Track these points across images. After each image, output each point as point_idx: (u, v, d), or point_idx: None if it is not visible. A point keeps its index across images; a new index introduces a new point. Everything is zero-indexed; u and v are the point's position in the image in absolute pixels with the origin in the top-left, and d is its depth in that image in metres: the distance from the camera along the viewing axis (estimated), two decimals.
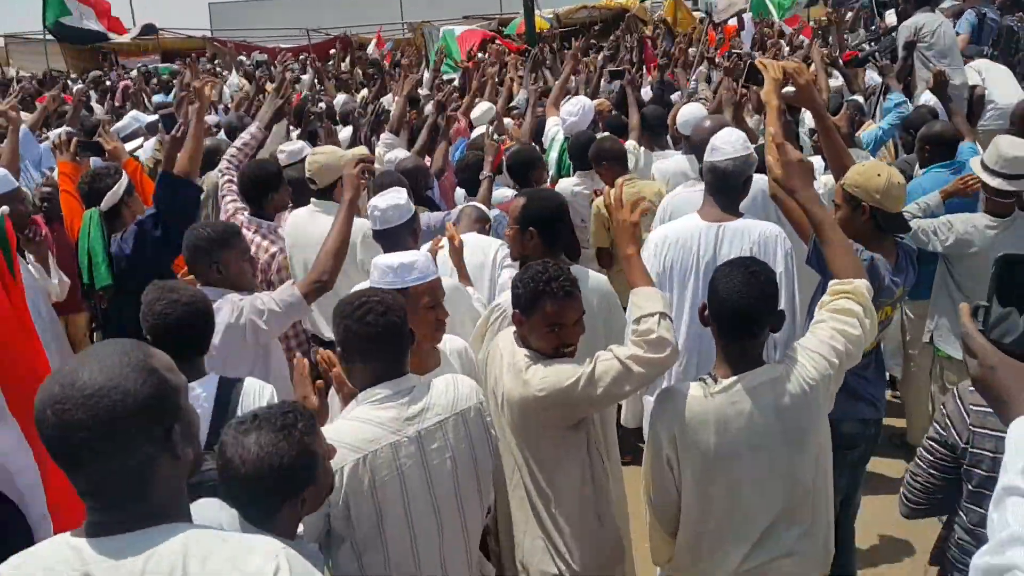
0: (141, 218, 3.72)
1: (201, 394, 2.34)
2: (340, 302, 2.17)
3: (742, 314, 2.11)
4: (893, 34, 7.63)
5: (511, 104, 7.21)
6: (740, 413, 2.11)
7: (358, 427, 2.08)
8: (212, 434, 2.22)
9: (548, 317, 2.23)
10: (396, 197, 3.23)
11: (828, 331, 2.21)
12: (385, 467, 2.05)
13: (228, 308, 2.82)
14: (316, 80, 10.53)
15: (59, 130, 6.13)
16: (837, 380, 2.23)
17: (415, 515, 2.09)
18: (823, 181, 3.62)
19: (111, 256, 3.71)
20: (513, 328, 2.39)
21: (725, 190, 3.18)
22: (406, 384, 2.16)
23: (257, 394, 2.40)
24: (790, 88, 3.00)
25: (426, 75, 8.63)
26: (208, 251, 2.91)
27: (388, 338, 2.11)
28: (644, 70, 8.68)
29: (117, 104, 9.25)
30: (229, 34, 19.11)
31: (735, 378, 2.13)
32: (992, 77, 6.73)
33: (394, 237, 3.13)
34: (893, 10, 8.93)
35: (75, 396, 1.19)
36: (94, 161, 4.97)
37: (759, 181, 3.33)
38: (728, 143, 3.19)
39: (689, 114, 4.91)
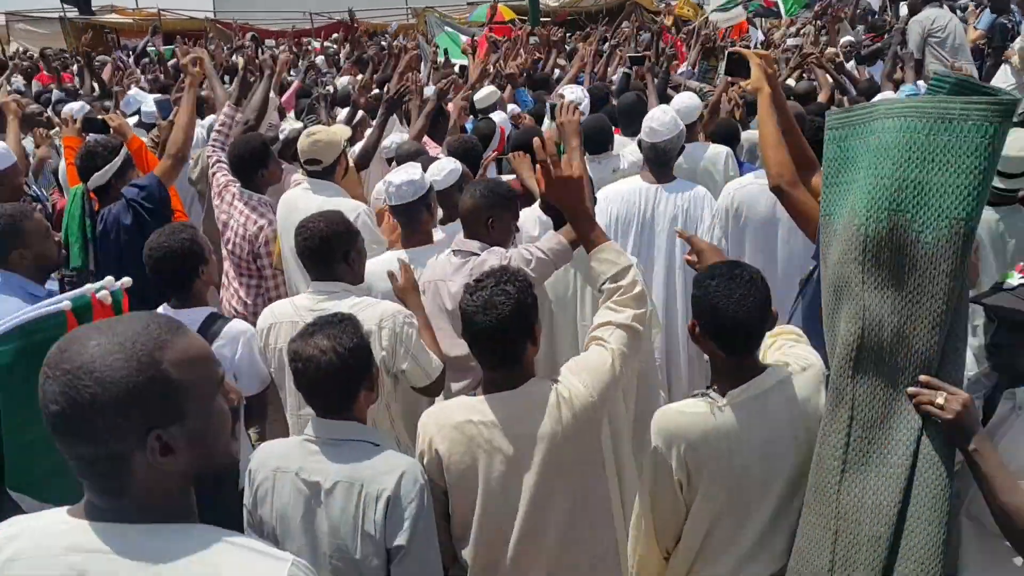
0: (114, 208, 3.67)
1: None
2: None
3: (749, 329, 1.97)
4: (903, 26, 7.57)
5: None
6: (755, 424, 1.98)
7: (287, 302, 2.84)
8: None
9: None
10: (411, 172, 3.22)
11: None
12: (283, 336, 2.62)
13: (495, 258, 2.84)
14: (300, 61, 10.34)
15: (76, 104, 6.09)
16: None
17: (287, 393, 2.65)
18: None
19: (86, 237, 3.70)
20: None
21: (662, 162, 3.95)
22: (331, 288, 2.71)
23: (237, 328, 2.78)
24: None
25: (423, 68, 8.51)
26: (486, 208, 2.97)
27: (315, 250, 2.72)
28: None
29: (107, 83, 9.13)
30: (232, 16, 18.97)
31: (743, 388, 1.99)
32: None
33: (409, 212, 3.15)
34: (904, 3, 8.85)
35: (60, 365, 1.10)
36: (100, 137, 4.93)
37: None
38: (663, 124, 3.92)
39: (683, 104, 4.84)
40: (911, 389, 1.86)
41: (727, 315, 1.95)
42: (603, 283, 2.19)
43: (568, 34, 11.76)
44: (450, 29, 11.50)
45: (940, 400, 1.82)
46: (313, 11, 19.96)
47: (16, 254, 2.91)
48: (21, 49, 13.40)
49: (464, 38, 11.02)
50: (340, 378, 2.00)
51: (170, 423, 1.13)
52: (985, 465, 1.82)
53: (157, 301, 2.85)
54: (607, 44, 9.36)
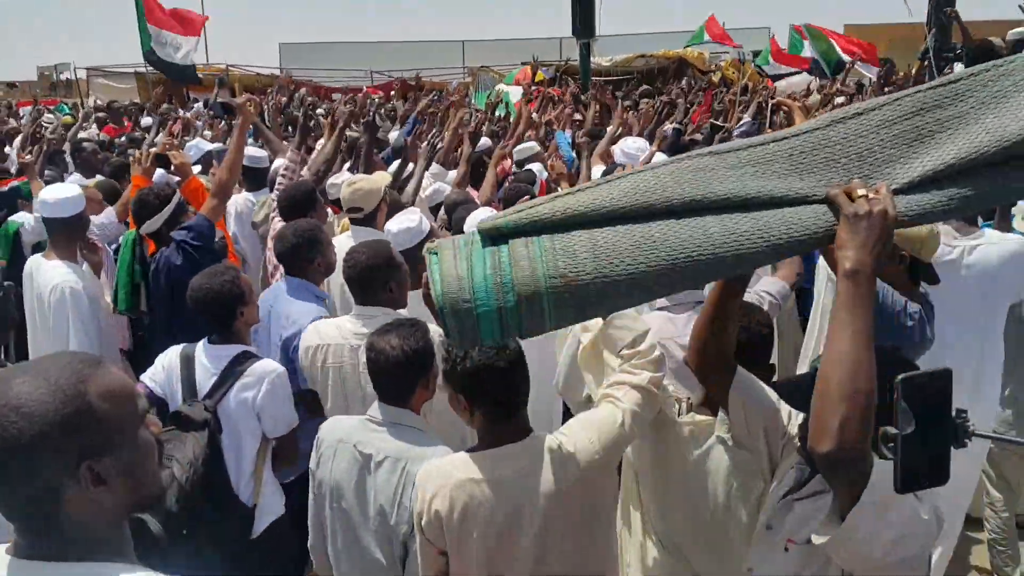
0: (165, 251, 3.81)
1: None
2: None
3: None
4: None
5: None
6: (700, 447, 2.20)
7: (332, 325, 3.02)
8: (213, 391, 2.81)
9: None
10: (408, 220, 3.30)
11: None
12: (332, 357, 2.91)
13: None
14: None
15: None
16: None
17: (350, 404, 2.80)
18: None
19: (134, 282, 3.88)
20: None
21: None
22: (372, 312, 2.91)
23: (265, 368, 2.85)
24: None
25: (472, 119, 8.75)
26: None
27: (356, 278, 2.94)
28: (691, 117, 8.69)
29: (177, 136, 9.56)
30: (296, 73, 19.79)
31: (711, 419, 2.19)
32: None
33: (409, 259, 3.20)
34: (959, 64, 8.79)
35: None
36: (161, 174, 5.17)
37: None
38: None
39: None
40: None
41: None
42: (621, 349, 2.19)
43: (619, 93, 11.94)
44: (503, 86, 11.82)
45: (861, 191, 1.47)
46: (374, 70, 20.73)
47: (317, 262, 3.37)
48: (98, 101, 14.17)
49: (516, 92, 11.30)
50: (401, 371, 2.33)
51: (100, 454, 1.14)
52: (853, 293, 1.44)
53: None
54: (659, 100, 9.48)
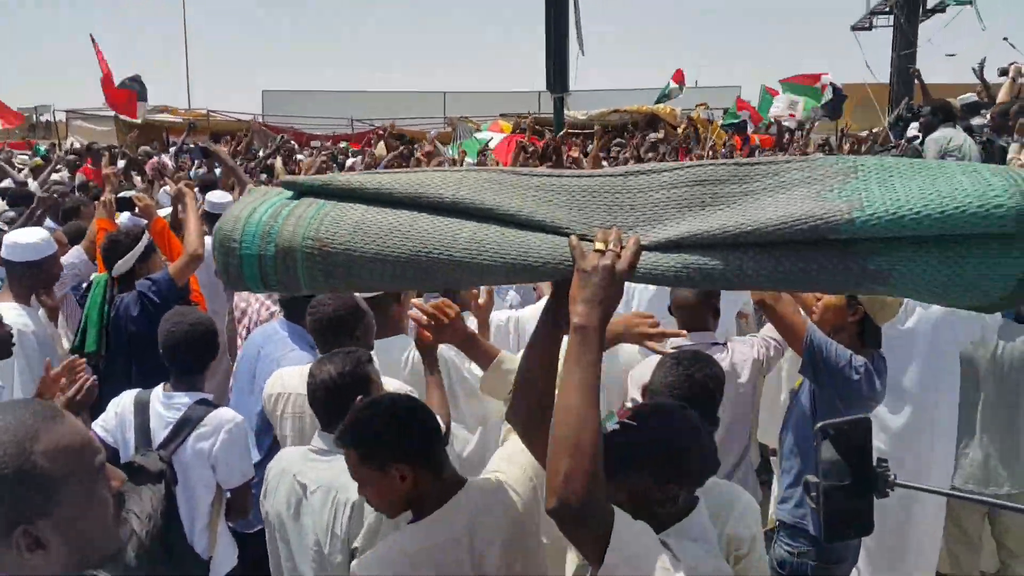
0: (126, 297, 3.80)
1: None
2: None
3: None
4: (916, 144, 7.70)
5: None
6: None
7: (296, 373, 2.92)
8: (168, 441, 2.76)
9: None
10: None
11: None
12: (291, 406, 2.89)
13: (746, 347, 3.14)
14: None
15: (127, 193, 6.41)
16: None
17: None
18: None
19: (105, 324, 3.82)
20: None
21: None
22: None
23: (222, 416, 2.82)
24: None
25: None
26: (709, 297, 3.16)
27: (322, 329, 2.91)
28: None
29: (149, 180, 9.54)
30: (277, 120, 19.93)
31: None
32: None
33: (374, 305, 3.17)
34: (917, 124, 9.05)
35: None
36: (127, 215, 5.16)
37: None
38: None
39: None
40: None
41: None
42: (511, 390, 2.17)
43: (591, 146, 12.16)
44: (479, 136, 12.00)
45: (600, 245, 1.47)
46: (355, 118, 20.93)
47: None
48: (75, 144, 14.15)
49: (494, 138, 11.45)
50: (333, 395, 2.35)
51: (39, 516, 1.08)
52: (581, 347, 1.43)
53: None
54: (627, 152, 9.63)
